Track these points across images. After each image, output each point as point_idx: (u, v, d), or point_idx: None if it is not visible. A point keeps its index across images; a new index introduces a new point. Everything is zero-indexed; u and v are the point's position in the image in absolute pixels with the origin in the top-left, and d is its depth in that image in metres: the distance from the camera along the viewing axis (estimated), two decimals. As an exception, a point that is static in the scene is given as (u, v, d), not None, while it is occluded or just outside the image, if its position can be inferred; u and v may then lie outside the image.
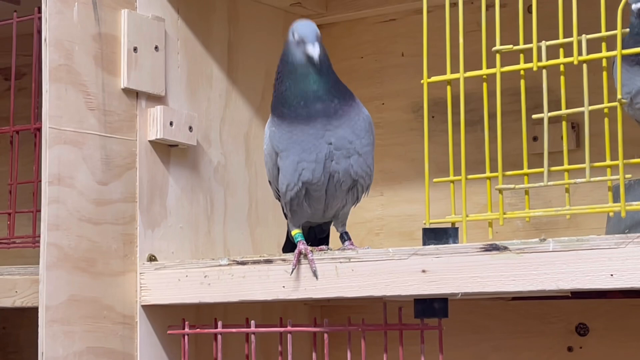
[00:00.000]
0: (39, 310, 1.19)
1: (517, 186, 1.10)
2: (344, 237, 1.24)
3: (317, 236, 1.31)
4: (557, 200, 1.36)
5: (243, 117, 1.51)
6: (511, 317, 1.45)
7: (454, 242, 1.10)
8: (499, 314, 1.46)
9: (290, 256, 1.18)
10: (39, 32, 1.35)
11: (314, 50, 1.17)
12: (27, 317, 1.59)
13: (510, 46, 1.10)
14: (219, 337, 1.24)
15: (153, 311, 1.30)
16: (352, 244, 1.22)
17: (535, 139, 1.41)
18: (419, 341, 1.14)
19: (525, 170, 1.10)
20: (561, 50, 1.08)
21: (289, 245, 1.32)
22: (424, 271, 1.09)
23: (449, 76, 1.13)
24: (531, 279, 1.03)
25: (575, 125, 1.41)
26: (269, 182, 1.27)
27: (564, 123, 1.09)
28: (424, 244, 1.11)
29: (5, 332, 1.94)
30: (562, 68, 1.08)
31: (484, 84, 1.11)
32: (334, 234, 1.30)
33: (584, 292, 1.30)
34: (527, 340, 1.44)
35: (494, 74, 1.11)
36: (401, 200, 1.58)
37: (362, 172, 1.21)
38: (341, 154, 1.19)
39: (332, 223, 1.28)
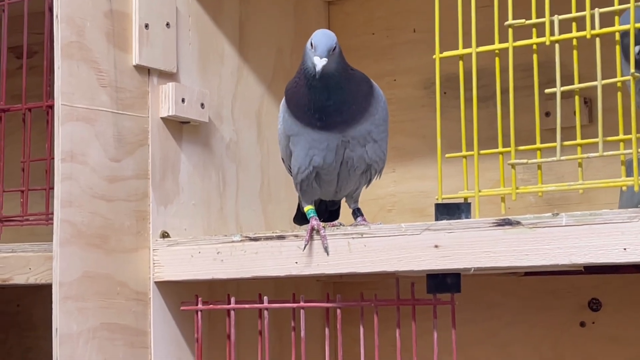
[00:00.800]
0: (53, 286, 1.20)
1: (529, 161, 1.10)
2: (357, 213, 1.25)
3: (327, 208, 1.31)
4: (569, 175, 1.35)
5: (255, 94, 1.51)
6: (524, 293, 1.45)
7: (467, 218, 1.09)
8: (512, 289, 1.46)
9: (302, 232, 1.18)
10: (50, 9, 1.35)
11: (319, 63, 1.12)
12: (40, 295, 1.59)
13: (523, 20, 1.09)
14: (232, 313, 1.24)
15: (166, 287, 1.30)
16: (364, 220, 1.23)
17: (547, 114, 1.41)
18: (431, 317, 1.14)
19: (538, 145, 1.10)
20: (574, 24, 1.08)
21: (300, 216, 1.33)
22: (436, 246, 1.09)
23: (461, 51, 1.13)
24: (544, 253, 1.02)
25: (588, 101, 1.41)
26: (282, 159, 1.27)
27: (576, 98, 1.08)
28: (437, 219, 1.10)
29: (19, 310, 1.95)
30: (574, 42, 1.08)
31: (497, 59, 1.11)
32: (345, 206, 1.30)
33: (596, 267, 1.30)
34: (539, 316, 1.44)
35: (507, 49, 1.10)
36: (413, 177, 1.58)
37: (376, 157, 1.20)
38: (357, 143, 1.18)
39: (345, 199, 1.28)
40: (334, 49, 1.14)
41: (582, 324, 1.41)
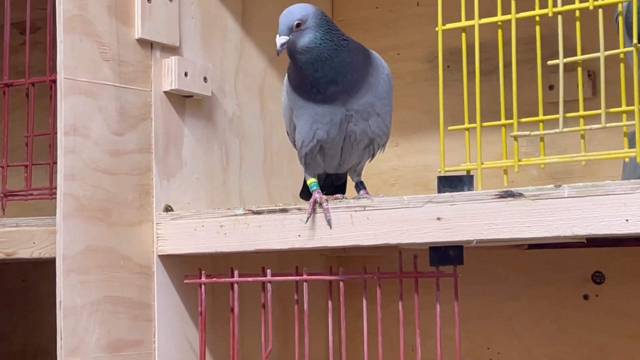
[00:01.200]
0: (57, 260, 1.20)
1: (532, 133, 1.10)
2: (359, 186, 1.25)
3: (334, 183, 1.31)
4: (572, 148, 1.35)
5: (257, 69, 1.51)
6: (527, 266, 1.45)
7: (469, 190, 1.09)
8: (515, 262, 1.47)
9: (305, 205, 1.18)
10: (53, -17, 1.35)
11: (277, 42, 1.17)
12: (45, 270, 1.60)
13: (526, -8, 1.09)
14: (236, 286, 1.25)
15: (170, 261, 1.30)
16: (367, 193, 1.23)
17: (551, 87, 1.40)
18: (434, 290, 1.14)
19: (541, 117, 1.09)
20: (576, -5, 1.08)
21: (306, 191, 1.33)
22: (439, 219, 1.09)
23: (463, 23, 1.13)
24: (546, 225, 1.02)
25: (592, 74, 1.40)
26: (287, 132, 1.27)
27: (579, 70, 1.08)
28: (439, 192, 1.10)
29: (24, 285, 1.95)
30: (577, 14, 1.07)
31: (499, 32, 1.11)
32: (349, 180, 1.30)
33: (599, 240, 1.31)
34: (543, 289, 1.45)
35: (509, 22, 1.10)
36: (416, 151, 1.58)
37: (379, 132, 1.20)
38: (360, 117, 1.18)
39: (348, 173, 1.28)
40: (300, 24, 1.16)
41: (586, 297, 1.42)
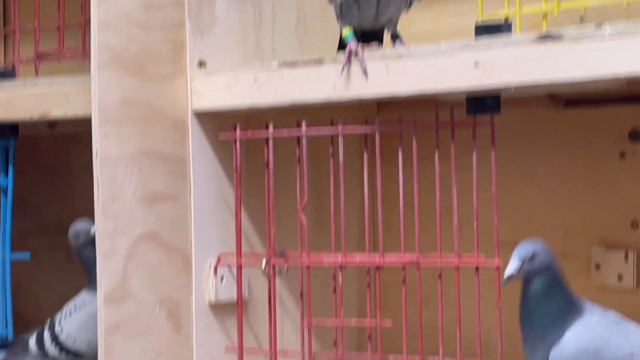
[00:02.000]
0: (92, 111, 1.21)
1: (573, -25, 1.08)
2: (395, 37, 1.23)
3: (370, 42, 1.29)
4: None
5: None
6: (563, 125, 1.43)
7: (507, 35, 1.07)
8: (551, 121, 1.45)
9: (340, 57, 1.17)
10: None
11: None
12: (79, 143, 1.60)
13: None
14: (271, 141, 1.24)
15: (204, 117, 1.30)
16: (402, 44, 1.21)
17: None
18: (470, 151, 1.14)
19: (582, -42, 1.07)
20: None
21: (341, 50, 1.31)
22: (476, 65, 1.07)
23: None
24: (586, 67, 1.00)
25: None
26: (322, -19, 1.25)
27: None
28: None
29: (58, 160, 1.96)
30: None
31: None
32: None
33: (637, 97, 1.29)
34: (579, 147, 1.43)
35: None
36: (451, 13, 1.55)
37: None
38: None
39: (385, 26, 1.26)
40: None
41: (622, 155, 1.40)
